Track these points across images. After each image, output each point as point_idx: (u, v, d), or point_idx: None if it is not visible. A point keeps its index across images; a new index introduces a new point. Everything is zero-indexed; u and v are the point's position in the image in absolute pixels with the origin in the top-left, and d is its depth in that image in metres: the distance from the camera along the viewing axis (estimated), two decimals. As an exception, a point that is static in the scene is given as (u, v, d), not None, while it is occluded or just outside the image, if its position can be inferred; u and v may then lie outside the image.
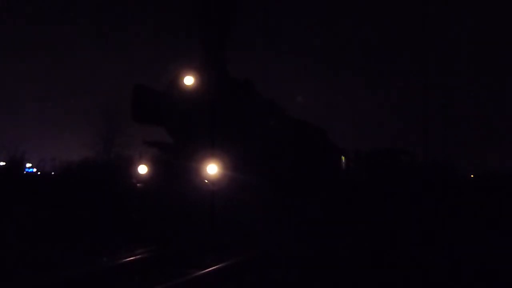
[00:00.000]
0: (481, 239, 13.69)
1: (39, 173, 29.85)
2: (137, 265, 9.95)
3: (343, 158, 22.82)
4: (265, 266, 10.07)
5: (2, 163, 26.36)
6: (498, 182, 27.87)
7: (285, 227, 13.36)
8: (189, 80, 13.42)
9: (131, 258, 10.39)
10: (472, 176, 43.23)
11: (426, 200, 21.34)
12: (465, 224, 16.50)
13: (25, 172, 28.46)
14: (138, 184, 13.13)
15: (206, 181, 12.17)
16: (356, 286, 8.91)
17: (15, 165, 24.94)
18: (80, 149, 27.83)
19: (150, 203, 12.95)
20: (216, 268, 9.31)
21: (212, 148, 12.59)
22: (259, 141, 14.12)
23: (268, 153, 14.31)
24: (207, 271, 8.97)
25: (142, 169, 13.11)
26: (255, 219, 12.59)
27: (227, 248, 11.46)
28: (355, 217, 17.48)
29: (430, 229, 15.31)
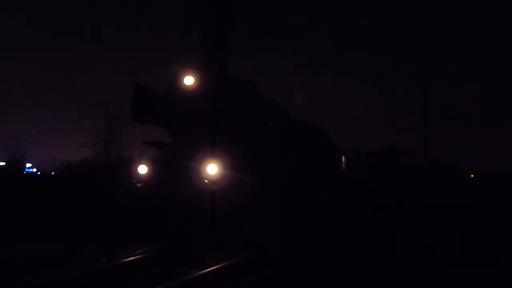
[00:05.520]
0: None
1: (39, 173, 29.79)
2: (137, 265, 9.96)
3: (343, 158, 22.79)
4: (264, 266, 10.08)
5: (2, 163, 26.32)
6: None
7: (285, 226, 13.35)
8: (189, 80, 13.42)
9: (131, 258, 10.40)
10: (472, 176, 43.27)
11: (425, 199, 21.34)
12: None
13: (25, 172, 28.41)
14: (138, 184, 13.14)
15: (206, 181, 12.16)
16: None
17: (15, 165, 24.91)
18: (80, 149, 27.74)
19: (150, 203, 12.95)
20: (216, 268, 9.32)
21: (212, 148, 12.58)
22: (259, 141, 14.11)
23: (268, 153, 14.30)
24: (207, 271, 8.98)
25: (142, 169, 13.12)
26: (255, 219, 12.58)
27: (227, 248, 11.46)
28: (354, 216, 17.48)
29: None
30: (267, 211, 13.13)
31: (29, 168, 30.09)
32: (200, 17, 14.89)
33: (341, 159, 22.29)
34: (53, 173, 27.68)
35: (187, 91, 13.63)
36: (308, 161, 16.83)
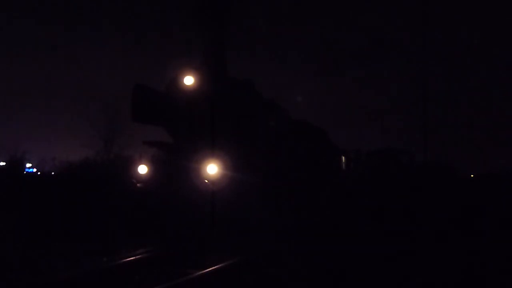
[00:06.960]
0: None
1: (39, 173, 29.80)
2: (137, 265, 9.97)
3: (343, 158, 22.81)
4: (264, 266, 10.08)
5: (2, 163, 26.34)
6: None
7: (285, 227, 13.35)
8: (189, 80, 13.40)
9: (131, 258, 10.41)
10: (472, 176, 43.28)
11: (425, 200, 21.35)
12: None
13: (25, 172, 28.42)
14: (138, 184, 13.13)
15: (206, 181, 12.16)
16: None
17: (15, 165, 24.92)
18: (80, 149, 27.80)
19: (150, 203, 12.95)
20: (216, 268, 9.32)
21: (212, 148, 12.57)
22: (259, 141, 14.12)
23: (268, 153, 14.31)
24: (207, 271, 8.99)
25: (142, 169, 13.11)
26: (255, 219, 12.58)
27: (227, 248, 11.46)
28: (354, 216, 17.48)
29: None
30: (267, 211, 13.14)
31: (29, 168, 30.11)
32: (200, 17, 14.89)
33: (341, 159, 22.31)
34: (53, 173, 27.71)
35: (187, 91, 13.61)
36: (308, 161, 16.85)
